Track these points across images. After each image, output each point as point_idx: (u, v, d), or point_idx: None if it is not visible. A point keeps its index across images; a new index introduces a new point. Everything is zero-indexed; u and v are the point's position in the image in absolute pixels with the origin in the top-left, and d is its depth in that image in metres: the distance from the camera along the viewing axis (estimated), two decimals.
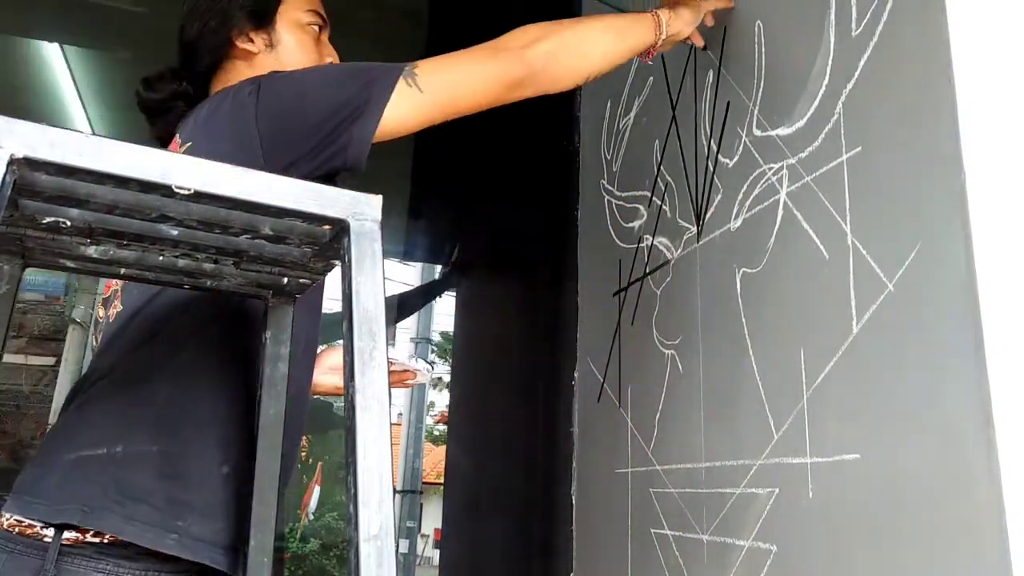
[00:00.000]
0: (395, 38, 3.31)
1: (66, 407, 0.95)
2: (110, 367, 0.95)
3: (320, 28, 1.17)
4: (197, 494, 0.88)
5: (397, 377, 1.36)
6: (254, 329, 0.94)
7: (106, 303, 1.05)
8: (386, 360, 0.69)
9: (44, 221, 0.72)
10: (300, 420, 1.01)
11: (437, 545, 10.97)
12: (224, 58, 1.11)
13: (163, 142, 1.09)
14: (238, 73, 1.10)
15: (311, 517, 10.35)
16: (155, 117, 1.13)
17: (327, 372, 1.31)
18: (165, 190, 0.66)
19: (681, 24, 1.19)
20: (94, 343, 1.06)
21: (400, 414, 9.01)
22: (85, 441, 0.87)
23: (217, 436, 0.91)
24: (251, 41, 1.11)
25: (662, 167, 1.45)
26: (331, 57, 1.17)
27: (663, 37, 1.17)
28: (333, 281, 0.88)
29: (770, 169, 1.09)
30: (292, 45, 1.13)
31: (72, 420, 0.92)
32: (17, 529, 0.83)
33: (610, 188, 1.69)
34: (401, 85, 0.97)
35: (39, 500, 0.84)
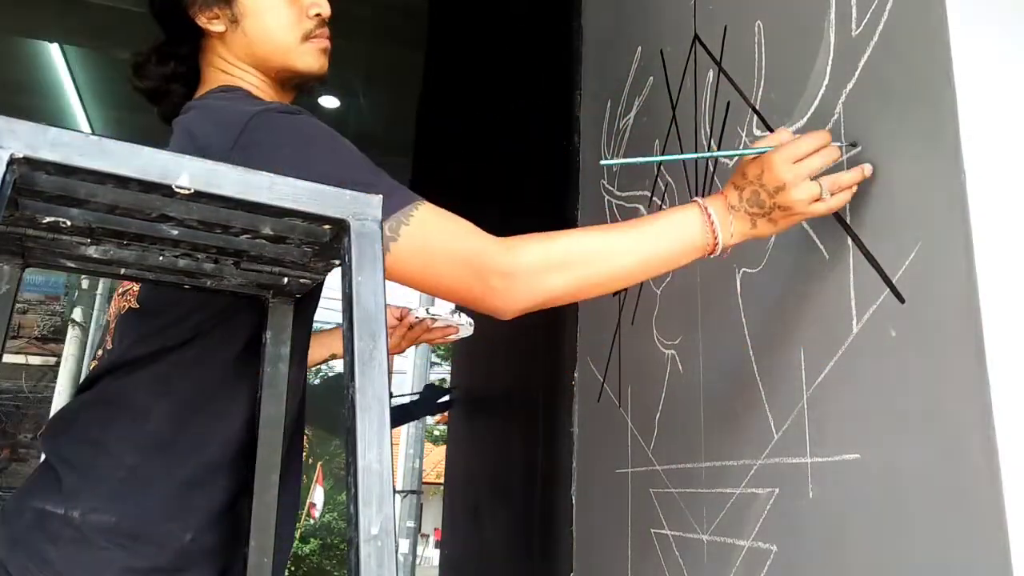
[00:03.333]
0: (395, 34, 3.31)
1: (53, 429, 0.94)
2: (99, 392, 0.94)
3: None
4: (156, 559, 0.86)
5: (441, 332, 1.38)
6: (253, 378, 0.93)
7: (123, 295, 1.03)
8: (386, 360, 0.69)
9: (44, 221, 0.72)
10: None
11: (437, 545, 10.97)
12: (200, 37, 1.03)
13: (169, 122, 1.03)
14: (215, 53, 1.03)
15: (318, 515, 10.37)
16: (155, 101, 1.07)
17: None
18: (165, 190, 0.66)
19: (765, 230, 0.91)
20: (109, 333, 1.04)
21: None
22: (51, 494, 0.87)
23: (189, 499, 0.89)
24: (216, 18, 1.01)
25: (662, 167, 1.45)
26: (316, 7, 1.04)
27: (719, 249, 0.90)
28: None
29: None
30: (259, 14, 1.01)
31: (47, 462, 0.91)
32: None
33: (610, 188, 1.69)
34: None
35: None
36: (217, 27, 1.01)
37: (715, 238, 0.88)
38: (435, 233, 0.87)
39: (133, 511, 0.86)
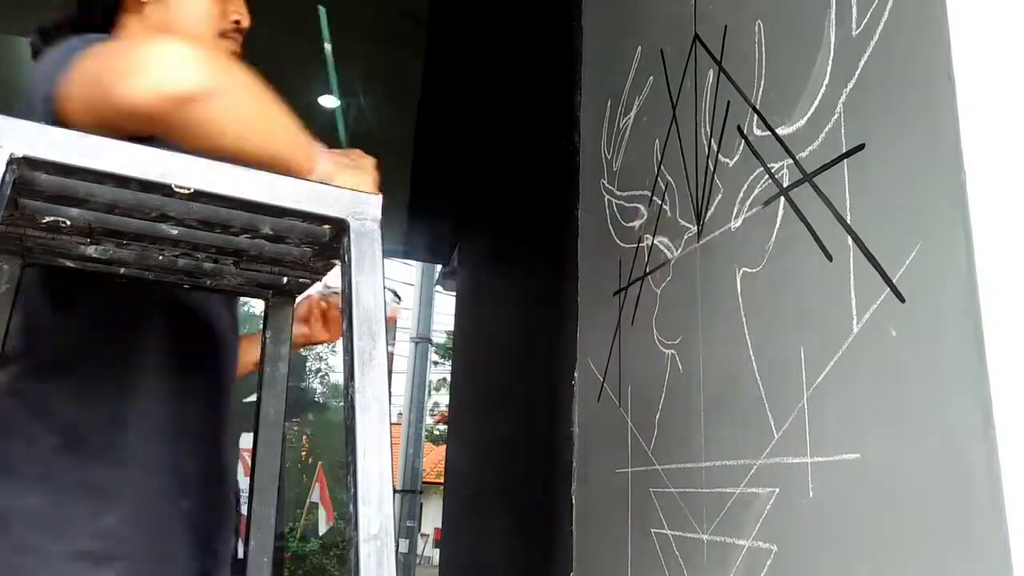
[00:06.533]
0: (394, 34, 3.31)
1: None
2: (13, 385, 0.92)
3: None
4: (77, 542, 0.85)
5: (337, 299, 1.33)
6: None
7: None
8: (386, 359, 0.69)
9: (44, 220, 0.72)
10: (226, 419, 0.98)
11: (437, 545, 10.97)
12: (117, 10, 1.04)
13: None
14: (129, 29, 1.04)
15: (334, 516, 10.33)
16: None
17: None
18: (165, 189, 0.66)
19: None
20: None
21: (400, 414, 9.00)
22: None
23: (110, 484, 0.88)
24: None
25: (662, 167, 1.45)
26: (237, 14, 1.06)
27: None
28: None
29: (770, 169, 1.09)
30: None
31: None
32: None
33: (610, 188, 1.69)
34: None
35: None
36: None
37: None
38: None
39: (51, 494, 0.85)
